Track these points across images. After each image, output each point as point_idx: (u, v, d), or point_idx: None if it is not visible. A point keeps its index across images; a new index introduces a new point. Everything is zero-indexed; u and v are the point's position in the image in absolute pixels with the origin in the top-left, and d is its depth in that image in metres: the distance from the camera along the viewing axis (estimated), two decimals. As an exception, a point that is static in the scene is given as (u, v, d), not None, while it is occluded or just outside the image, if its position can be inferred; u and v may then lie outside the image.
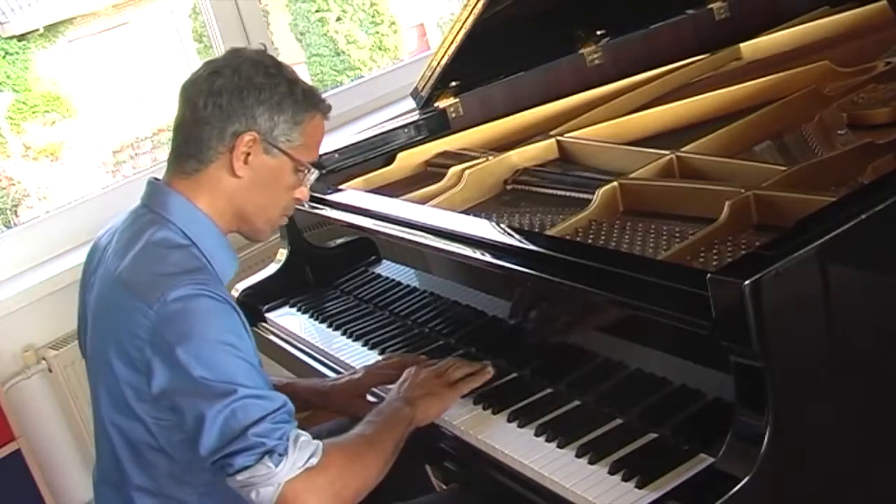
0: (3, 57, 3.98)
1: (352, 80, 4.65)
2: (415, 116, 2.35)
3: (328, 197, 2.04)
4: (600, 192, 1.75)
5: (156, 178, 1.56)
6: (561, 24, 2.39)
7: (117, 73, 4.31)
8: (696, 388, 1.32)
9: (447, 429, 1.56)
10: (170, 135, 1.56)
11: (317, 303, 2.16)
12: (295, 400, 1.49)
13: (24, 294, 2.63)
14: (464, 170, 2.05)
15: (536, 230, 1.78)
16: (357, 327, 1.98)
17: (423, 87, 2.33)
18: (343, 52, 5.05)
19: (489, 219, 1.88)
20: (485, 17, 2.20)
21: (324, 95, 1.62)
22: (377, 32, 5.14)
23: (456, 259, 1.65)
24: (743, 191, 1.55)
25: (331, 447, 1.40)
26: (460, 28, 2.21)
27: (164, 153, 1.55)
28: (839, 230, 1.21)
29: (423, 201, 1.96)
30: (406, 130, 2.31)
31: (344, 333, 1.98)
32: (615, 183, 1.77)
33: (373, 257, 2.03)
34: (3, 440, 2.46)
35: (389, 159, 2.26)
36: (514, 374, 1.62)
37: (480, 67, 2.35)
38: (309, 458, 1.35)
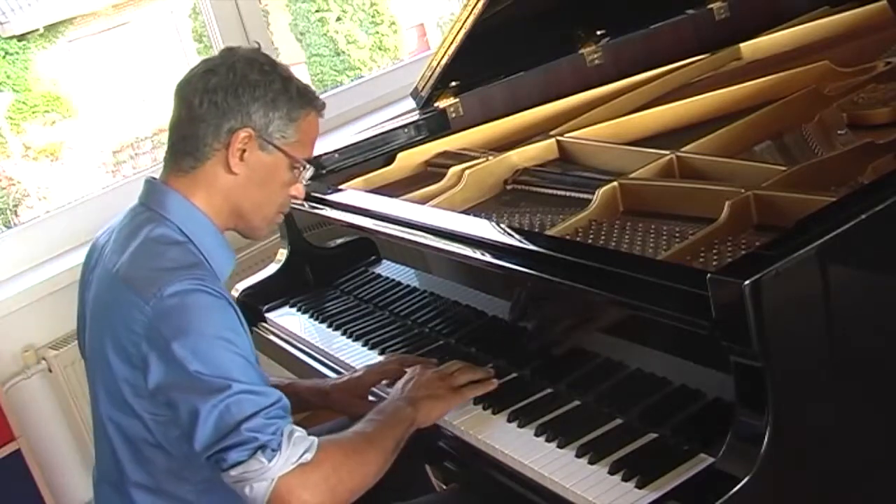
0: (3, 57, 3.98)
1: (352, 80, 4.65)
2: (415, 116, 2.35)
3: (328, 197, 2.04)
4: (600, 192, 1.75)
5: (153, 178, 1.57)
6: (561, 24, 2.39)
7: (117, 73, 4.31)
8: (696, 388, 1.32)
9: (447, 429, 1.56)
10: (170, 135, 1.56)
11: (317, 303, 2.16)
12: (296, 400, 1.49)
13: (24, 294, 2.63)
14: (464, 170, 2.05)
15: (536, 230, 1.78)
16: (357, 327, 1.98)
17: (423, 87, 2.33)
18: (343, 52, 5.05)
19: (489, 219, 1.88)
20: (485, 17, 2.20)
21: (324, 95, 1.63)
22: (377, 32, 5.14)
23: (456, 259, 1.65)
24: (743, 191, 1.55)
25: (327, 443, 1.40)
26: (460, 28, 2.21)
27: (164, 153, 1.57)
28: (839, 230, 1.21)
29: (423, 201, 1.96)
30: (406, 130, 2.31)
31: (344, 333, 1.98)
32: (615, 183, 1.77)
33: (373, 257, 2.03)
34: (3, 440, 2.46)
35: (389, 159, 2.26)
36: (514, 374, 1.62)
37: (480, 67, 2.35)
38: (303, 454, 1.35)
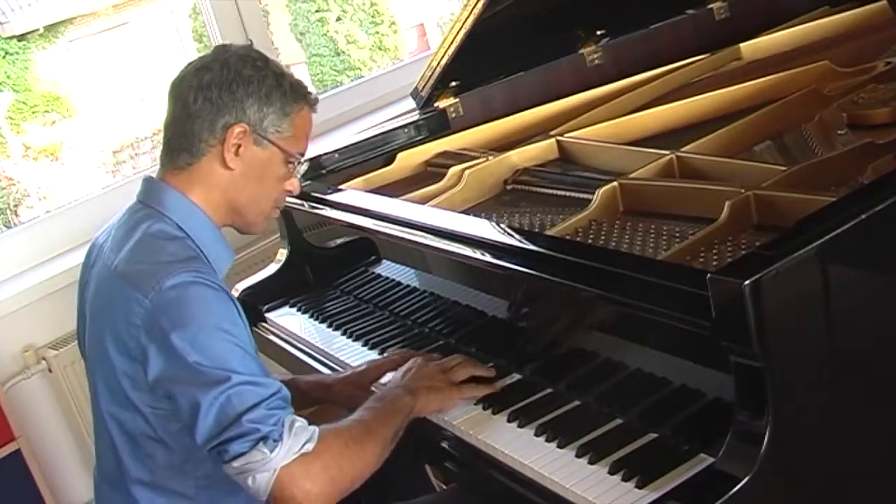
0: (3, 57, 3.98)
1: (352, 80, 4.65)
2: (415, 116, 2.35)
3: (328, 197, 2.04)
4: (600, 192, 1.75)
5: (150, 176, 1.58)
6: (561, 24, 2.38)
7: (117, 73, 4.31)
8: (696, 388, 1.32)
9: (447, 429, 1.56)
10: (169, 135, 1.57)
11: (317, 303, 2.16)
12: (297, 395, 1.49)
13: (24, 294, 2.63)
14: (464, 170, 2.05)
15: (536, 230, 1.78)
16: (357, 327, 1.98)
17: (423, 87, 2.33)
18: (343, 52, 5.06)
19: (489, 219, 1.88)
20: (485, 17, 2.20)
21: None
22: (377, 32, 5.14)
23: (456, 259, 1.65)
24: (743, 191, 1.55)
25: (327, 432, 1.40)
26: (460, 28, 2.21)
27: (160, 151, 1.58)
28: (839, 230, 1.21)
29: (423, 201, 1.96)
30: (406, 130, 2.31)
31: (344, 333, 1.98)
32: (615, 183, 1.77)
33: (373, 257, 2.03)
34: (3, 440, 2.45)
35: (389, 159, 2.26)
36: (515, 375, 1.62)
37: (480, 67, 2.35)
38: (304, 444, 1.36)
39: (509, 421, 1.50)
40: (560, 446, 1.40)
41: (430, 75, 2.30)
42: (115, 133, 4.32)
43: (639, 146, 1.98)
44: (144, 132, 4.38)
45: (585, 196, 1.80)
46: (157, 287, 1.40)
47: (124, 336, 1.44)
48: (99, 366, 1.53)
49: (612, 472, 1.31)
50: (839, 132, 1.79)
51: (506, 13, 2.26)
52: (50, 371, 2.63)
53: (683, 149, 1.82)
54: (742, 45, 2.40)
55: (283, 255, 2.28)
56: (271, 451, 1.34)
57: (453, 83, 2.33)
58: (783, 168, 1.62)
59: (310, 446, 1.36)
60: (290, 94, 1.53)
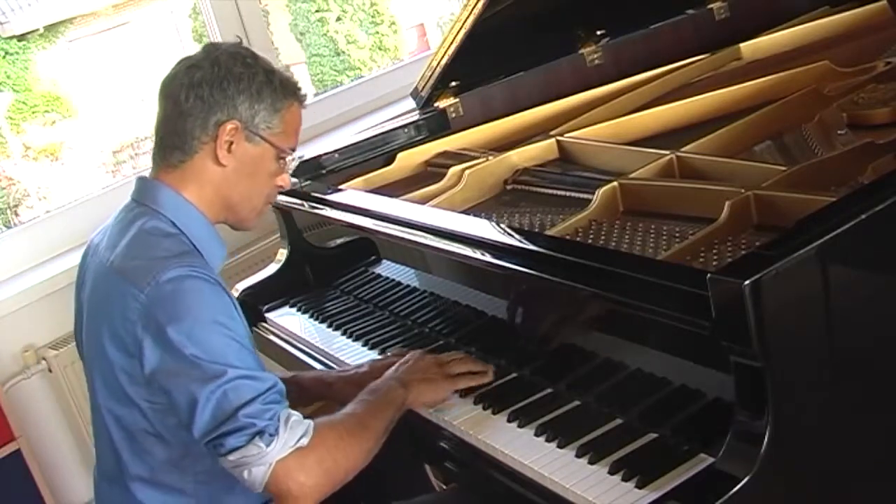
0: (3, 57, 3.98)
1: (352, 80, 4.65)
2: (415, 116, 2.35)
3: (328, 197, 2.04)
4: (600, 192, 1.75)
5: (144, 175, 1.60)
6: (561, 24, 2.38)
7: (117, 73, 4.31)
8: (696, 388, 1.32)
9: (447, 429, 1.56)
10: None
11: (317, 303, 2.16)
12: (298, 390, 1.49)
13: (24, 294, 2.63)
14: (464, 170, 2.05)
15: (536, 230, 1.78)
16: (357, 327, 1.98)
17: (423, 87, 2.33)
18: (343, 52, 5.06)
19: (489, 219, 1.88)
20: (485, 17, 2.20)
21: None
22: (377, 32, 5.14)
23: (456, 259, 1.65)
24: (743, 191, 1.55)
25: (321, 426, 1.42)
26: (460, 28, 2.21)
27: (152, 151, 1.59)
28: (839, 230, 1.21)
29: (423, 201, 1.96)
30: (406, 130, 2.31)
31: (344, 333, 1.98)
32: (615, 183, 1.77)
33: (373, 257, 2.03)
34: (3, 440, 2.45)
35: (389, 159, 2.26)
36: (514, 374, 1.62)
37: (480, 67, 2.35)
38: (300, 438, 1.38)
39: (509, 421, 1.50)
40: (560, 446, 1.40)
41: (430, 75, 2.30)
42: (115, 133, 4.32)
43: (639, 146, 1.98)
44: (144, 132, 4.38)
45: (585, 196, 1.80)
46: (152, 282, 1.41)
47: (121, 332, 1.45)
48: (97, 363, 1.54)
49: (612, 472, 1.31)
50: (839, 132, 1.79)
51: (506, 13, 2.26)
52: (50, 371, 2.63)
53: (683, 149, 1.82)
54: (742, 45, 2.40)
55: (283, 255, 2.28)
56: (267, 446, 1.35)
57: (453, 83, 2.33)
58: (783, 168, 1.62)
59: (305, 440, 1.38)
60: (280, 90, 1.54)
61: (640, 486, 1.27)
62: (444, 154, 2.24)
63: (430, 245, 1.70)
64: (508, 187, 2.05)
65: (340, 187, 2.11)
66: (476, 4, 2.18)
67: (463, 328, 1.78)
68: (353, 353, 1.90)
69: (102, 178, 4.28)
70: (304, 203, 2.08)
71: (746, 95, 2.06)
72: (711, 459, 1.25)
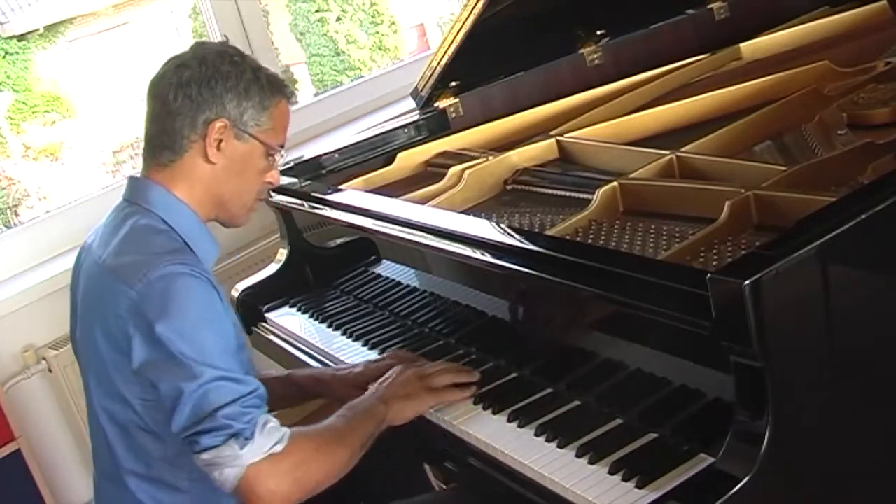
0: (3, 57, 3.98)
1: (352, 80, 4.65)
2: (415, 116, 2.35)
3: (328, 197, 2.04)
4: (600, 192, 1.75)
5: (135, 175, 1.61)
6: (561, 24, 2.38)
7: (117, 73, 4.31)
8: (696, 388, 1.32)
9: (448, 429, 1.56)
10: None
11: (317, 303, 2.16)
12: (294, 389, 1.48)
13: (24, 294, 2.63)
14: (464, 170, 2.05)
15: (536, 230, 1.78)
16: (357, 327, 1.98)
17: (423, 87, 2.33)
18: (343, 52, 5.05)
19: (489, 219, 1.88)
20: (485, 17, 2.20)
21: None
22: (377, 32, 5.14)
23: (456, 259, 1.65)
24: (743, 191, 1.55)
25: (298, 436, 1.43)
26: (460, 28, 2.21)
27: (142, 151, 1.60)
28: (839, 230, 1.21)
29: (423, 201, 1.96)
30: (406, 130, 2.31)
31: (344, 333, 1.98)
32: (615, 183, 1.77)
33: (373, 257, 2.03)
34: (3, 440, 2.46)
35: (389, 159, 2.26)
36: (514, 374, 1.62)
37: (480, 67, 2.35)
38: (274, 445, 1.39)
39: (509, 421, 1.50)
40: (560, 446, 1.40)
41: (430, 75, 2.30)
42: (115, 133, 4.31)
43: (639, 146, 1.98)
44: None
45: (585, 196, 1.80)
46: (144, 279, 1.42)
47: (113, 329, 1.46)
48: (91, 362, 1.55)
49: (612, 472, 1.31)
50: (839, 132, 1.79)
51: (506, 13, 2.26)
52: (50, 371, 2.63)
53: (683, 149, 1.83)
54: (742, 45, 2.40)
55: (283, 255, 2.28)
56: (241, 448, 1.37)
57: (453, 83, 2.33)
58: (783, 168, 1.62)
59: (279, 447, 1.39)
60: (267, 87, 1.55)
61: (640, 486, 1.27)
62: (444, 154, 2.24)
63: (430, 245, 1.70)
64: (508, 187, 2.05)
65: (340, 187, 2.11)
66: (476, 4, 2.18)
67: (463, 328, 1.78)
68: (353, 353, 1.90)
69: (102, 178, 4.27)
70: (304, 203, 2.08)
71: (746, 95, 2.06)
72: (711, 459, 1.25)
